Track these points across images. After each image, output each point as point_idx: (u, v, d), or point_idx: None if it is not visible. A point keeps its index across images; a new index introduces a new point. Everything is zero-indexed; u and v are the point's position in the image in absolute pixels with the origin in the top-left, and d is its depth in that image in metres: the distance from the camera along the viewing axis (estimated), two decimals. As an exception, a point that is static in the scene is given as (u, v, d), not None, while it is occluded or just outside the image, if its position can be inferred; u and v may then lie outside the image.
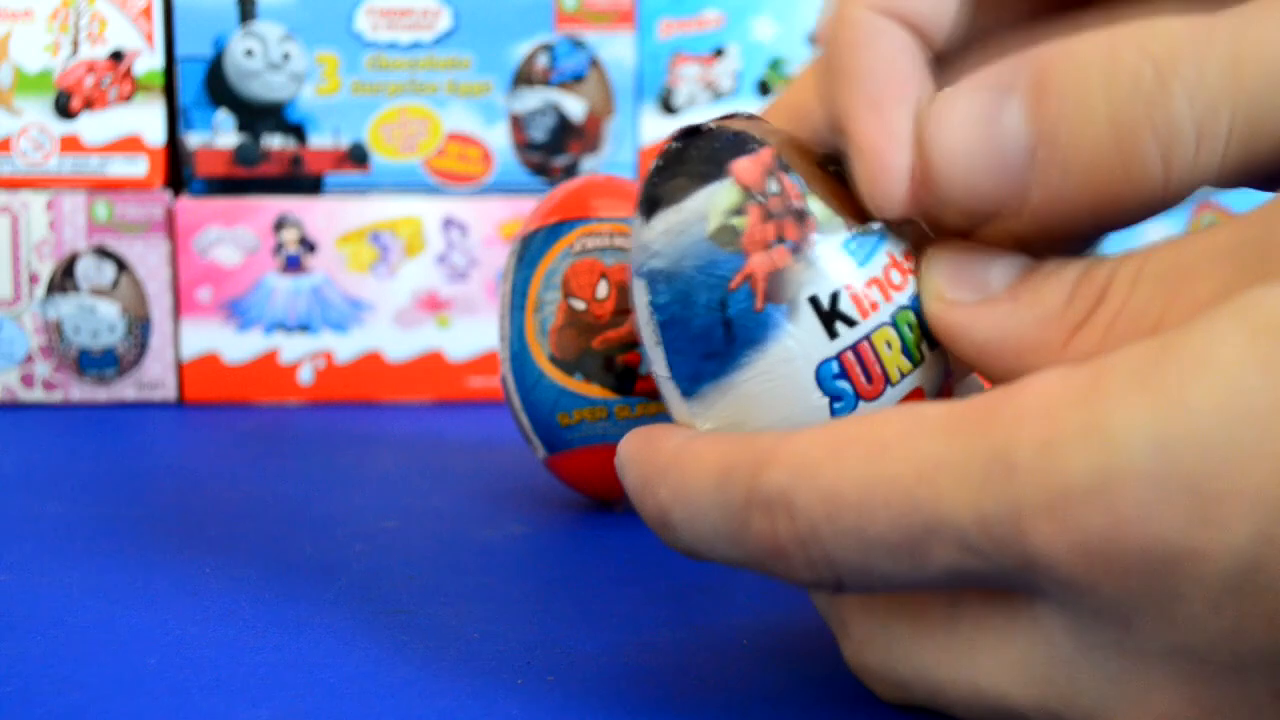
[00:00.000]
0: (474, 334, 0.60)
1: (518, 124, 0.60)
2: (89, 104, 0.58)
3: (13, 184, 0.58)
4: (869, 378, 0.25)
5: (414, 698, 0.26)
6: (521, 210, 0.59)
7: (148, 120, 0.58)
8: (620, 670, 0.28)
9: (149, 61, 0.58)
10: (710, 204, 0.25)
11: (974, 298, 0.24)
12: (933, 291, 0.24)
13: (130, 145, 0.58)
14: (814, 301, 0.25)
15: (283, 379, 0.59)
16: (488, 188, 0.60)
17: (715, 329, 0.25)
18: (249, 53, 0.59)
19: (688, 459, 0.24)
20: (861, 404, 0.25)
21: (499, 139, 0.60)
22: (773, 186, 0.25)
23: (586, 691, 0.27)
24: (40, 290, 0.58)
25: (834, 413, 0.25)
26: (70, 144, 0.58)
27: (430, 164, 0.60)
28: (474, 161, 0.60)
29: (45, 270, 0.58)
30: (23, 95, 0.58)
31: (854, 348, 0.25)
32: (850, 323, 0.25)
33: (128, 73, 0.58)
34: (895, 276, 0.25)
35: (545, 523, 0.40)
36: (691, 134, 0.26)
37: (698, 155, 0.26)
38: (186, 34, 0.59)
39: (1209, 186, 0.23)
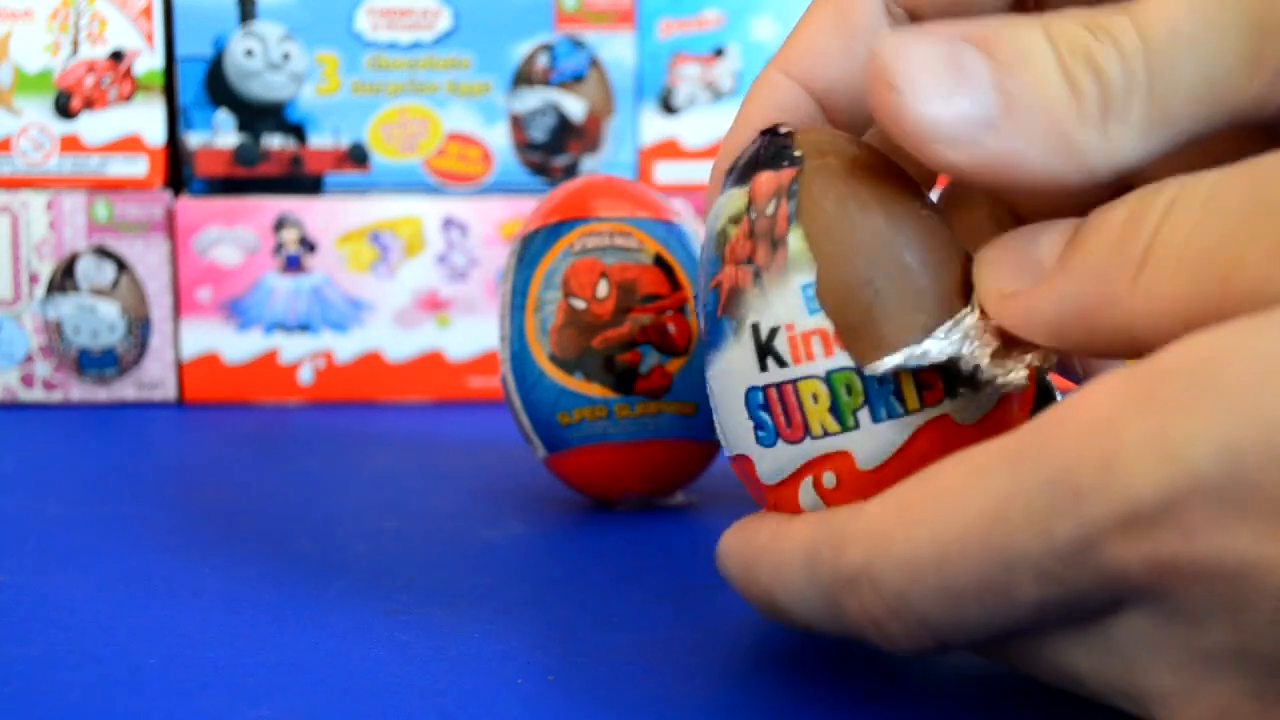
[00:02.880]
0: (474, 334, 0.60)
1: (518, 124, 0.60)
2: (89, 104, 0.58)
3: (13, 184, 0.58)
4: (789, 421, 0.25)
5: (414, 698, 0.26)
6: (521, 210, 0.59)
7: (148, 120, 0.58)
8: (621, 670, 0.28)
9: (149, 61, 0.58)
10: (726, 206, 0.27)
11: (1029, 281, 0.23)
12: (991, 293, 0.24)
13: (130, 145, 0.58)
14: (755, 329, 0.25)
15: (283, 379, 0.59)
16: (488, 188, 0.60)
17: (704, 318, 0.27)
18: (249, 53, 0.59)
19: (780, 545, 0.25)
20: (781, 443, 0.25)
21: (499, 139, 0.60)
22: (769, 208, 0.25)
23: (586, 691, 0.27)
24: (40, 290, 0.58)
25: (758, 440, 0.26)
26: (70, 144, 0.58)
27: (430, 164, 0.60)
28: (474, 161, 0.60)
29: (45, 270, 0.58)
30: (23, 95, 0.58)
31: (779, 386, 0.25)
32: (781, 362, 0.25)
33: (128, 73, 0.58)
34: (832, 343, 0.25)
35: (545, 523, 0.40)
36: (768, 133, 0.27)
37: (752, 156, 0.27)
38: (186, 34, 0.59)
39: (1136, 155, 0.23)
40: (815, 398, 0.25)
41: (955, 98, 0.23)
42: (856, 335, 0.24)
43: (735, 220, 0.26)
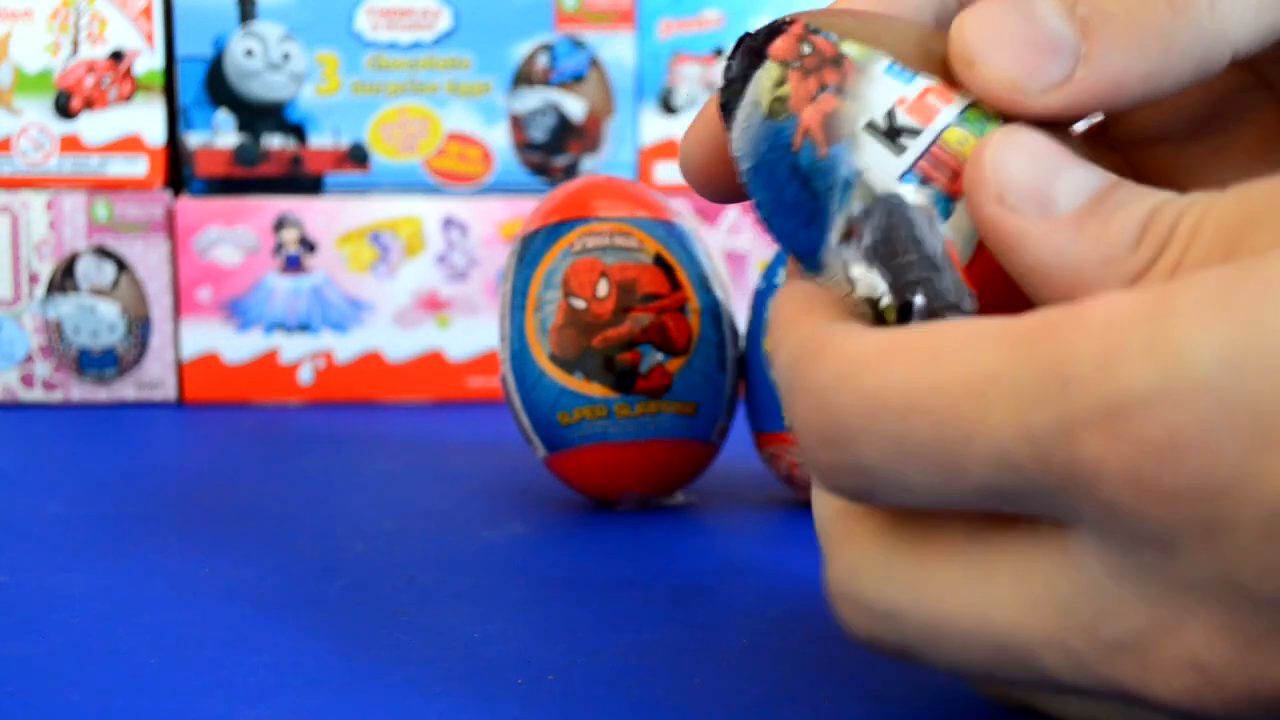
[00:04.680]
0: (474, 334, 0.60)
1: (518, 124, 0.60)
2: (89, 104, 0.58)
3: (13, 184, 0.58)
4: (952, 175, 0.24)
5: (414, 698, 0.26)
6: (521, 210, 0.59)
7: (148, 120, 0.58)
8: (620, 670, 0.28)
9: (149, 61, 0.58)
10: (759, 90, 0.26)
11: (1037, 211, 0.22)
12: (991, 189, 0.23)
13: (130, 145, 0.58)
14: (871, 127, 0.25)
15: (283, 379, 0.59)
16: (488, 188, 0.60)
17: (800, 194, 0.26)
18: (249, 53, 0.59)
19: (785, 321, 0.23)
20: (955, 204, 0.24)
21: (499, 139, 0.60)
22: (805, 49, 0.26)
23: (586, 691, 0.27)
24: (40, 290, 0.58)
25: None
26: (70, 144, 0.58)
27: (430, 164, 0.60)
28: (474, 161, 0.60)
29: (45, 270, 0.58)
30: (23, 95, 0.58)
31: (926, 154, 0.25)
32: (914, 133, 0.25)
33: (128, 73, 0.58)
34: (946, 93, 0.25)
35: (545, 523, 0.40)
36: (738, 44, 0.27)
37: (741, 58, 0.27)
38: (186, 34, 0.59)
39: (1247, 47, 0.22)
40: (963, 141, 0.24)
41: (1028, 51, 0.22)
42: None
43: (779, 84, 0.26)
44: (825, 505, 0.24)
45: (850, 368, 0.21)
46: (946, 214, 0.25)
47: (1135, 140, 0.29)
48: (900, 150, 0.25)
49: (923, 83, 0.25)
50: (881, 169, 0.25)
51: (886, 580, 0.22)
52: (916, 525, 0.22)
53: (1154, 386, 0.18)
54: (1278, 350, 0.18)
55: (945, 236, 0.25)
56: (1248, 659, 0.19)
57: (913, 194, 0.25)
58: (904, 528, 0.22)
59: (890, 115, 0.25)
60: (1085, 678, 0.20)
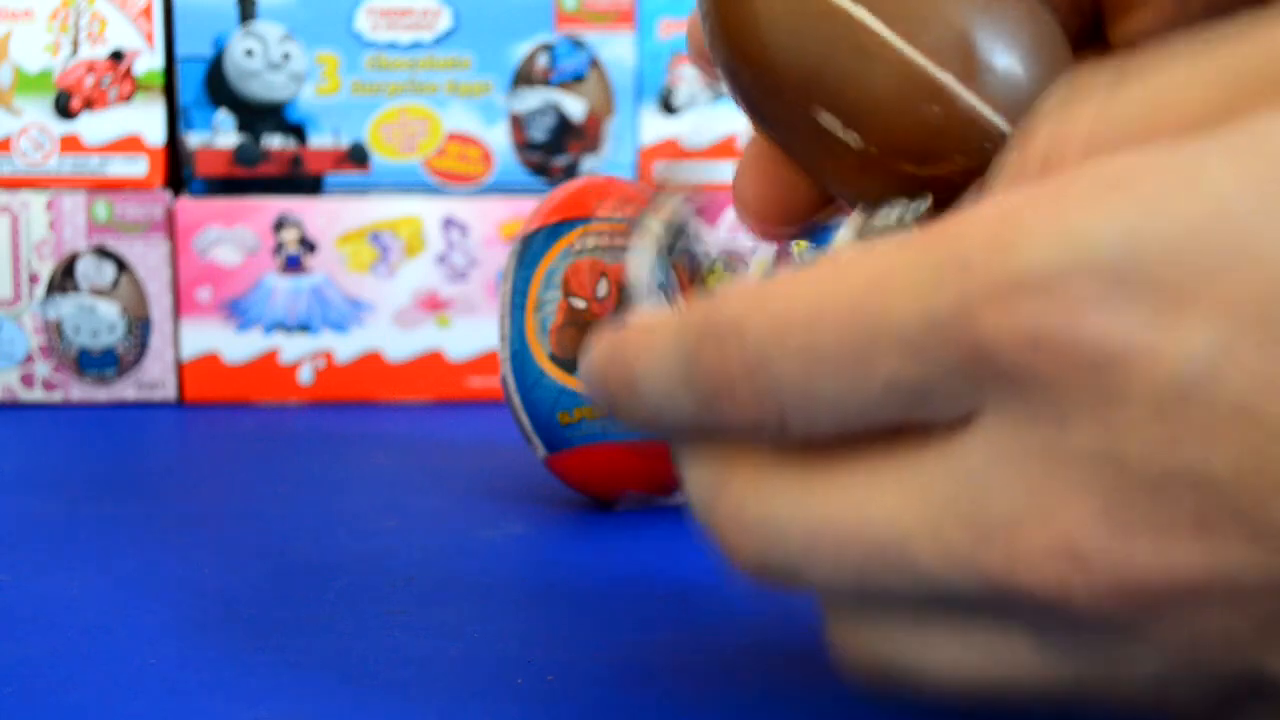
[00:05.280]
0: (474, 334, 0.60)
1: (518, 124, 0.60)
2: (89, 104, 0.58)
3: (13, 184, 0.58)
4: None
5: (414, 698, 0.26)
6: (521, 210, 0.59)
7: (148, 120, 0.58)
8: (620, 670, 0.28)
9: (149, 61, 0.58)
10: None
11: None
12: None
13: (130, 145, 0.58)
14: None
15: (283, 379, 0.59)
16: (488, 188, 0.60)
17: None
18: (249, 53, 0.59)
19: (653, 325, 0.23)
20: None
21: (499, 139, 0.60)
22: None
23: (586, 691, 0.27)
24: (40, 290, 0.58)
25: None
26: (70, 144, 0.58)
27: (430, 164, 0.60)
28: (474, 161, 0.60)
29: (45, 270, 0.58)
30: (23, 95, 0.58)
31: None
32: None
33: (128, 73, 0.58)
34: None
35: (545, 523, 0.40)
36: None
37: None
38: (186, 34, 0.59)
39: None
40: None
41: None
42: None
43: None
44: (701, 467, 0.24)
45: (759, 294, 0.21)
46: None
47: (1132, 39, 0.28)
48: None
49: None
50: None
51: (772, 495, 0.22)
52: (801, 449, 0.22)
53: (1052, 261, 0.18)
54: (1175, 229, 0.18)
55: None
56: (1121, 545, 0.19)
57: None
58: (789, 452, 0.22)
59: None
60: (955, 571, 0.20)
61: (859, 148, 0.25)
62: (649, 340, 0.23)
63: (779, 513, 0.22)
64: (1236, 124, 0.19)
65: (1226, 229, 0.18)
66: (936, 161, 0.25)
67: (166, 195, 0.58)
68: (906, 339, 0.20)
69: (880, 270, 0.20)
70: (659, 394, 0.23)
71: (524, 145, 0.60)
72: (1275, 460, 0.18)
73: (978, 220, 0.19)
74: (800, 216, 0.28)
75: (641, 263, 0.26)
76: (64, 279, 0.58)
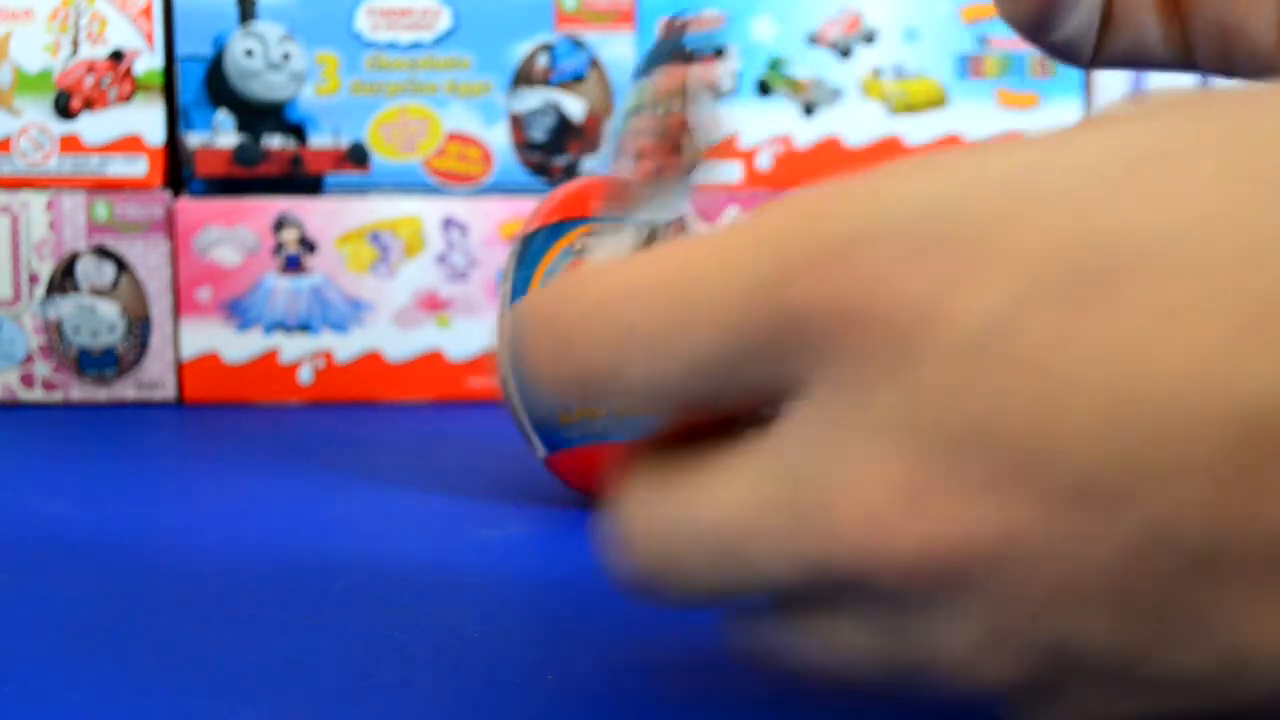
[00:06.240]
0: (474, 334, 0.60)
1: (518, 124, 0.60)
2: (89, 104, 0.58)
3: (13, 184, 0.58)
4: None
5: (414, 698, 0.26)
6: (521, 210, 0.59)
7: (148, 120, 0.58)
8: (620, 670, 0.28)
9: (149, 61, 0.58)
10: None
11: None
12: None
13: (130, 145, 0.58)
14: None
15: (283, 379, 0.59)
16: (488, 188, 0.60)
17: None
18: (249, 53, 0.59)
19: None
20: None
21: (499, 139, 0.60)
22: None
23: (587, 691, 0.27)
24: (40, 290, 0.58)
25: None
26: (70, 144, 0.58)
27: (430, 164, 0.60)
28: (474, 161, 0.60)
29: (45, 270, 0.58)
30: (23, 95, 0.58)
31: None
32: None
33: (128, 73, 0.58)
34: None
35: (545, 523, 0.40)
36: None
37: None
38: (186, 34, 0.59)
39: None
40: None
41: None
42: None
43: None
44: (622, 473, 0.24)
45: (577, 281, 0.21)
46: None
47: None
48: None
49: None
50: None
51: (650, 499, 0.22)
52: (675, 455, 0.22)
53: (856, 228, 0.19)
54: (973, 194, 0.19)
55: None
56: (920, 512, 0.19)
57: None
58: (668, 460, 0.22)
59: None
60: (781, 559, 0.20)
61: None
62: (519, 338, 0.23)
63: (653, 513, 0.22)
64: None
65: (1015, 192, 0.19)
66: None
67: (166, 195, 0.58)
68: (724, 312, 0.20)
69: (702, 250, 0.20)
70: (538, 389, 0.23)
71: (524, 145, 0.60)
72: (1061, 416, 0.18)
73: (797, 197, 0.20)
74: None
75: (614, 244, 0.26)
76: (64, 279, 0.58)
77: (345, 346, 0.59)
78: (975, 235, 0.18)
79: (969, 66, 0.61)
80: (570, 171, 0.60)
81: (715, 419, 0.22)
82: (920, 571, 0.19)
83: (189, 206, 0.58)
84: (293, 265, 0.59)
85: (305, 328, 0.59)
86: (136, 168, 0.58)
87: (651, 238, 0.26)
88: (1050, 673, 0.20)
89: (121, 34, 0.58)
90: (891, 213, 0.19)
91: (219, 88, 0.59)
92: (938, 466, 0.19)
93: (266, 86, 0.59)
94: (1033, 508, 0.18)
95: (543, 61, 0.60)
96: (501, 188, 0.60)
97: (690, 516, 0.21)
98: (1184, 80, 0.69)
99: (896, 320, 0.19)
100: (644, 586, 0.22)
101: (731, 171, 0.61)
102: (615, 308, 0.21)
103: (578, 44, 0.60)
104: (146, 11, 0.58)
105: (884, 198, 0.19)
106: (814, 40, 0.61)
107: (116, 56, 0.58)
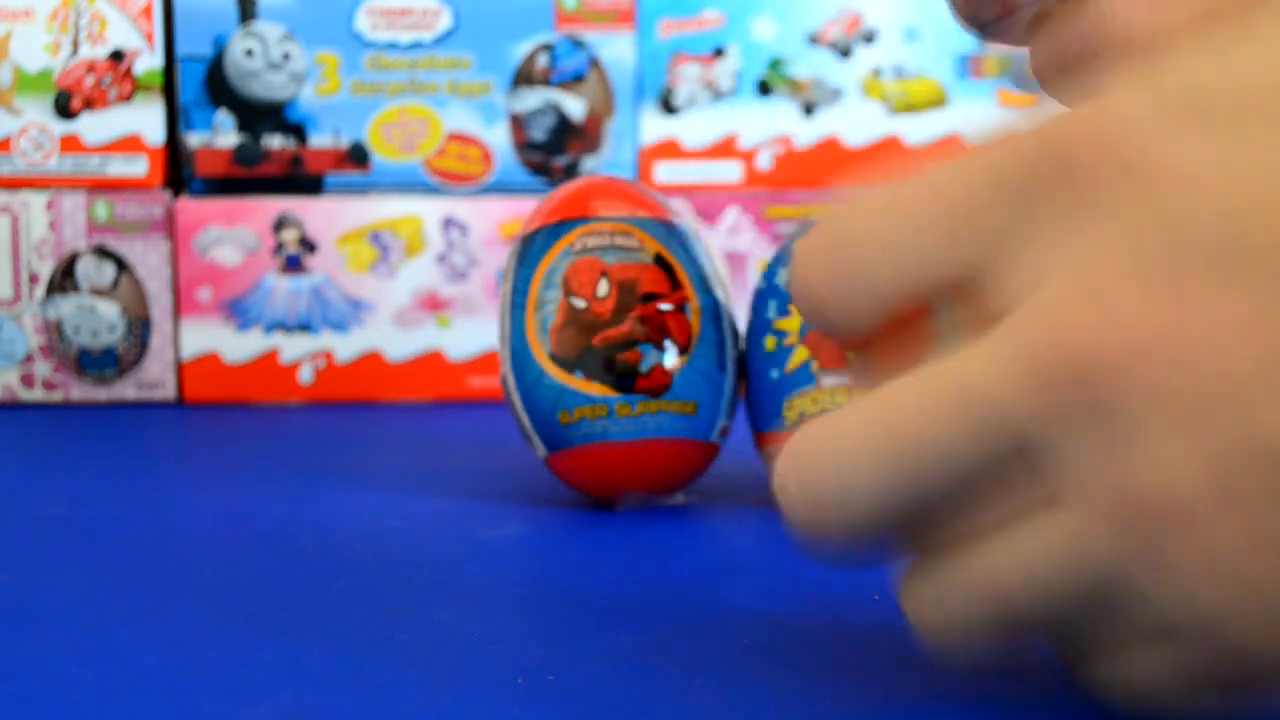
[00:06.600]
0: (474, 334, 0.60)
1: (518, 124, 0.60)
2: (89, 104, 0.58)
3: (13, 184, 0.58)
4: None
5: (414, 698, 0.26)
6: (521, 210, 0.59)
7: (148, 120, 0.58)
8: (621, 670, 0.28)
9: (149, 61, 0.58)
10: None
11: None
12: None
13: (130, 145, 0.58)
14: None
15: (283, 379, 0.59)
16: (488, 188, 0.60)
17: None
18: (249, 53, 0.59)
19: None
20: None
21: (499, 139, 0.60)
22: None
23: (586, 691, 0.27)
24: (40, 290, 0.58)
25: None
26: (70, 144, 0.58)
27: (430, 164, 0.60)
28: (474, 161, 0.60)
29: (45, 270, 0.58)
30: (23, 95, 0.58)
31: None
32: None
33: (128, 73, 0.58)
34: None
35: (545, 523, 0.40)
36: None
37: None
38: (186, 34, 0.59)
39: None
40: None
41: None
42: None
43: None
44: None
45: (852, 203, 0.24)
46: None
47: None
48: None
49: None
50: None
51: (857, 416, 0.23)
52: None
53: (1133, 96, 0.21)
54: (1216, 90, 0.21)
55: None
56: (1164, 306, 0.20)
57: None
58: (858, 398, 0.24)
59: None
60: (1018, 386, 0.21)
61: None
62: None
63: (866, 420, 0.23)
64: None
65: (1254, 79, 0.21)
66: None
67: (166, 195, 0.58)
68: (992, 156, 0.22)
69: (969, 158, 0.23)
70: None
71: (524, 145, 0.60)
72: None
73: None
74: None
75: None
76: (64, 279, 0.58)
77: (345, 346, 0.59)
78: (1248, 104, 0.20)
79: (969, 66, 0.61)
80: (570, 171, 0.60)
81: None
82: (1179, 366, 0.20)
83: (189, 206, 0.58)
84: (293, 265, 0.59)
85: (305, 328, 0.59)
86: (136, 168, 0.58)
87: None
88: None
89: (121, 34, 0.58)
90: (1160, 86, 0.21)
91: (219, 88, 0.59)
92: (1194, 277, 0.20)
93: (266, 86, 0.59)
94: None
95: (543, 61, 0.60)
96: (501, 188, 0.60)
97: (922, 385, 0.23)
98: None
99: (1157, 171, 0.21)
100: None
101: (731, 171, 0.61)
102: (894, 204, 0.23)
103: (578, 44, 0.60)
104: (146, 11, 0.58)
105: (1156, 74, 0.21)
106: (814, 40, 0.61)
107: (116, 56, 0.58)
